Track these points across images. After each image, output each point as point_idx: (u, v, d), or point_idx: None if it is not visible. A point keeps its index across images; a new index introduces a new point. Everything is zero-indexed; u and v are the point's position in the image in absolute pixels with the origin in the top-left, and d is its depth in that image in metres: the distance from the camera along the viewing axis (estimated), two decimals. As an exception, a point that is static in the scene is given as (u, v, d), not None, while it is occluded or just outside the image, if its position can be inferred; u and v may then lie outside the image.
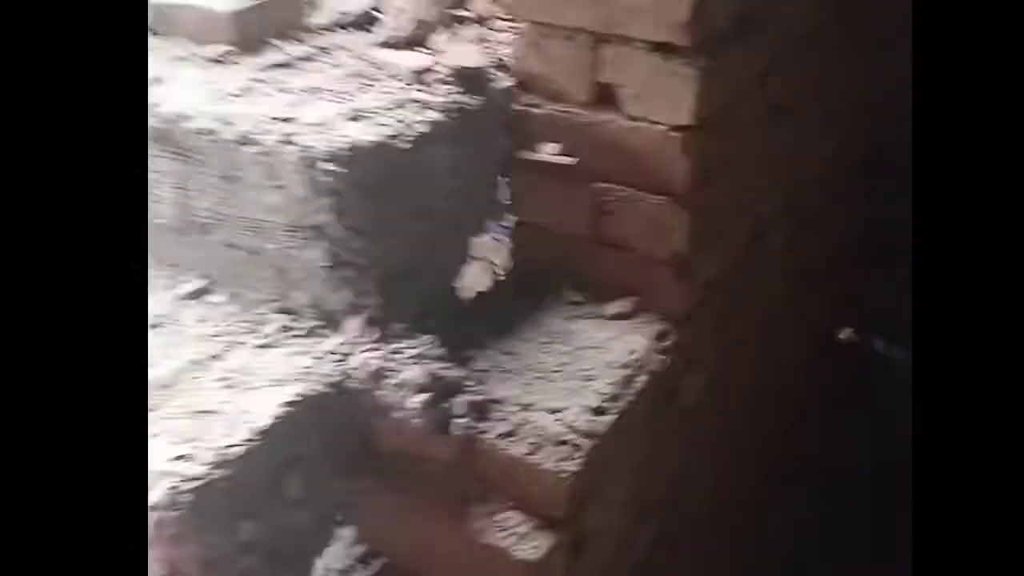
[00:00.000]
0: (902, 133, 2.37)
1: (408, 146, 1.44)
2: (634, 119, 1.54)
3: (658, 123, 1.53)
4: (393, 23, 1.67)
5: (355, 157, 1.39)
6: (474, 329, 1.59)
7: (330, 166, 1.38)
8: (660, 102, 1.51)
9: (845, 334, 2.57)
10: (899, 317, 2.58)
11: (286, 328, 1.49)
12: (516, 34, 1.58)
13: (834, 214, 2.25)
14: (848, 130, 2.21)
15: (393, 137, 1.44)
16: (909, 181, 2.39)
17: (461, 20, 1.73)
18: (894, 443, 2.68)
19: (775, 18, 1.67)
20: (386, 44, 1.65)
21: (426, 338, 1.47)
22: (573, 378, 1.52)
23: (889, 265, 2.51)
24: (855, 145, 2.28)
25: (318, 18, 1.70)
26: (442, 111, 1.52)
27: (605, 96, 1.56)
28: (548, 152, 1.61)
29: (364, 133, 1.42)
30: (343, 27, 1.71)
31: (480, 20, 1.72)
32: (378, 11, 1.71)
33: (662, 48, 1.48)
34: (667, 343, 1.61)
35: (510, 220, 1.70)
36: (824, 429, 2.54)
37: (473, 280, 1.66)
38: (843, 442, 2.63)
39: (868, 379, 2.61)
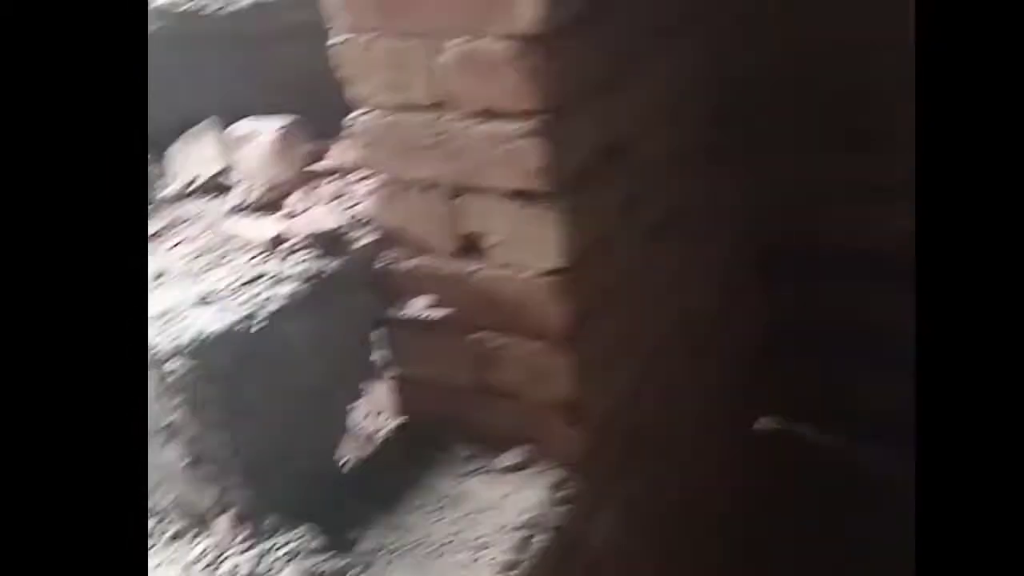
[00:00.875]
0: (798, 222, 2.39)
1: (262, 325, 1.36)
2: (503, 267, 1.48)
3: (527, 269, 1.47)
4: (245, 187, 1.59)
5: (203, 347, 1.30)
6: (358, 505, 1.49)
7: (177, 362, 1.29)
8: (526, 248, 1.45)
9: (766, 424, 2.51)
10: (825, 403, 2.55)
11: (151, 534, 1.38)
12: (373, 189, 1.52)
13: (738, 312, 2.21)
14: (743, 228, 2.17)
15: (245, 319, 1.35)
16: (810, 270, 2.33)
17: (317, 176, 1.66)
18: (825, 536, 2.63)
19: (640, 143, 1.63)
20: (239, 210, 1.57)
21: (304, 527, 1.38)
22: (467, 548, 1.43)
23: (804, 351, 2.48)
24: (754, 239, 2.24)
25: (167, 188, 1.63)
26: (299, 280, 1.44)
27: (471, 246, 1.49)
28: (420, 307, 1.54)
29: (213, 320, 1.34)
30: (194, 194, 1.63)
31: (336, 174, 1.65)
32: (230, 176, 1.64)
33: (520, 195, 1.42)
34: (566, 492, 1.53)
35: (389, 379, 1.61)
36: (751, 540, 2.47)
37: (354, 449, 1.57)
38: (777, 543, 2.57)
39: (796, 469, 2.55)
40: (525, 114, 1.37)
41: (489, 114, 1.39)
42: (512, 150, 1.39)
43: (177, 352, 1.29)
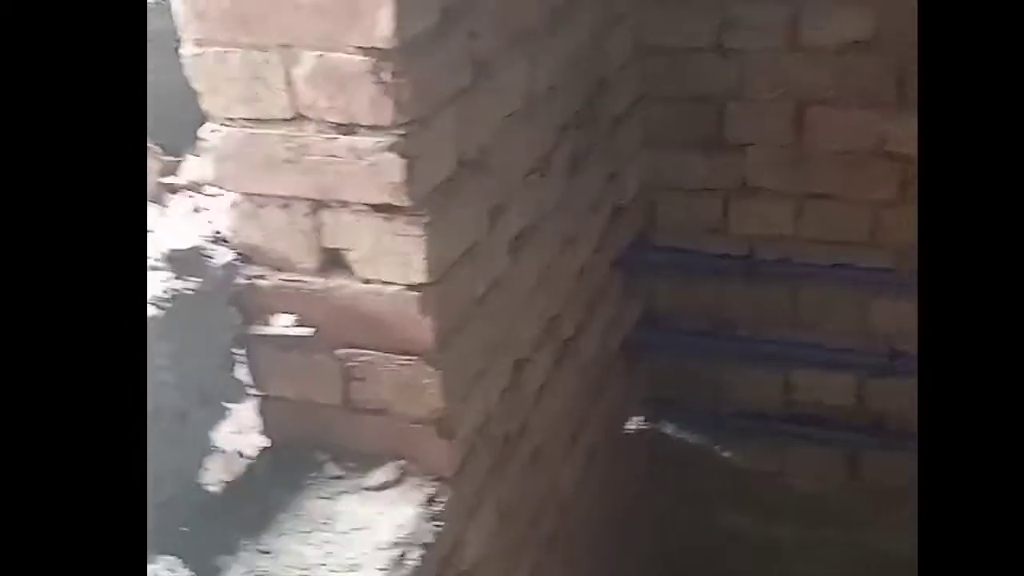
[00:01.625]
0: (661, 221, 2.43)
1: (117, 352, 1.30)
2: (367, 282, 1.46)
3: (392, 284, 1.45)
4: (94, 206, 1.53)
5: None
6: (226, 530, 1.45)
7: (24, 394, 1.22)
8: (390, 263, 1.43)
9: (635, 424, 2.55)
10: (693, 399, 2.61)
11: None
12: (230, 205, 1.47)
13: (604, 312, 2.23)
14: (606, 227, 2.20)
15: (98, 346, 1.29)
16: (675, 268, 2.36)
17: (173, 190, 1.61)
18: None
19: (502, 151, 1.62)
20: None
21: (168, 559, 1.33)
22: (340, 570, 1.40)
23: (672, 348, 2.52)
24: (616, 237, 2.27)
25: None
26: (155, 300, 1.39)
27: (334, 261, 1.46)
28: (283, 324, 1.51)
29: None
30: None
31: (193, 188, 1.60)
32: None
33: (383, 209, 1.40)
34: (438, 506, 1.52)
35: (254, 399, 1.57)
36: (622, 543, 2.50)
37: (219, 473, 1.52)
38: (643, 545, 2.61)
39: (665, 466, 2.60)
40: (383, 127, 1.35)
41: (348, 128, 1.36)
42: (372, 164, 1.37)
43: (24, 384, 1.23)
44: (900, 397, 2.37)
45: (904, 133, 2.16)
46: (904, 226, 2.23)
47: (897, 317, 2.31)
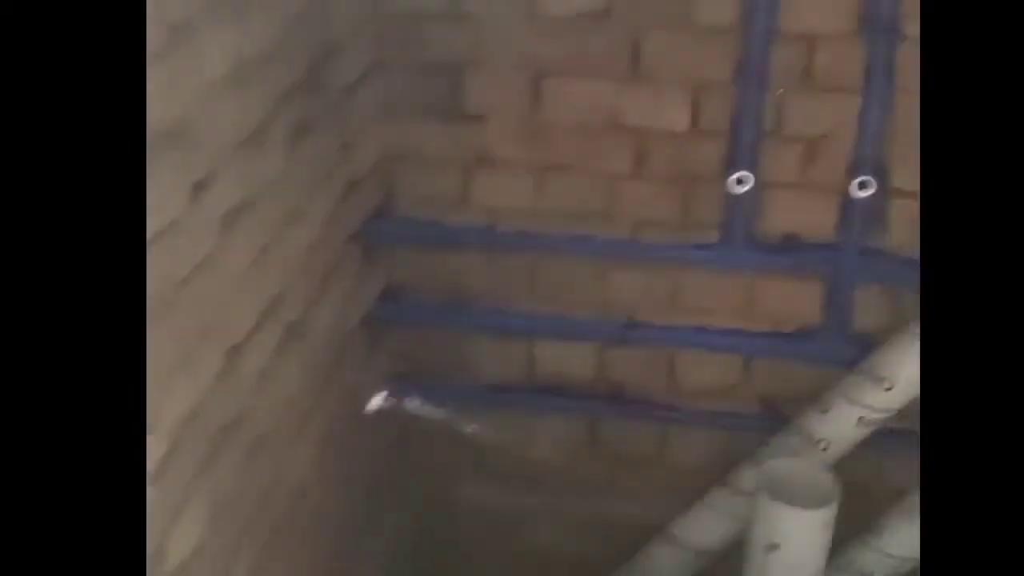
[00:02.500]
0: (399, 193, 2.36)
1: None
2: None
3: (75, 267, 1.31)
4: None
5: None
6: None
7: None
8: (72, 244, 1.30)
9: (377, 401, 2.49)
10: (431, 375, 2.57)
11: None
12: None
13: (338, 289, 2.15)
14: (339, 198, 2.11)
15: None
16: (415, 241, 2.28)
17: None
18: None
19: (205, 125, 1.51)
20: None
21: None
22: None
23: (413, 322, 2.47)
24: (353, 211, 2.19)
25: None
26: None
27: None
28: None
29: None
30: None
31: None
32: None
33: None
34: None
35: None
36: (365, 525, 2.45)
37: None
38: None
39: (406, 440, 2.56)
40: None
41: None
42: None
43: None
44: (637, 366, 2.42)
45: (637, 106, 2.18)
46: (640, 200, 2.26)
47: (633, 288, 2.34)
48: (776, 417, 2.34)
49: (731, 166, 2.16)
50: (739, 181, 2.15)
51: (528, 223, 2.33)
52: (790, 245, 2.24)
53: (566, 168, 2.29)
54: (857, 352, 2.21)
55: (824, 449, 2.21)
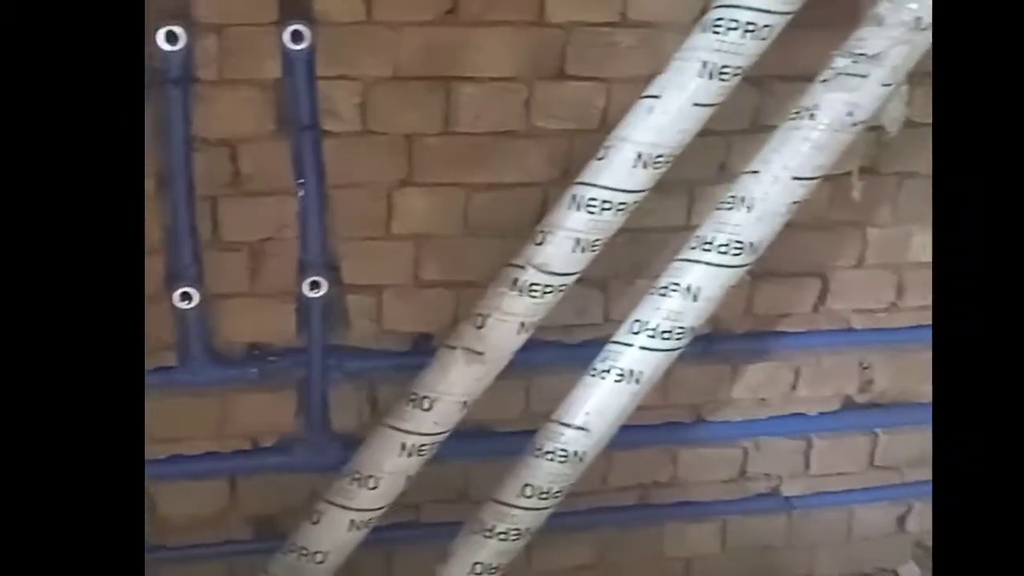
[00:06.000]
0: None
1: None
2: None
3: None
4: None
5: None
6: None
7: None
8: None
9: None
10: None
11: None
12: None
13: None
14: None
15: None
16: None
17: None
18: None
19: None
20: None
21: None
22: None
23: None
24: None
25: None
26: None
27: None
28: None
29: None
30: None
31: None
32: None
33: None
34: None
35: None
36: None
37: None
38: None
39: None
40: None
41: None
42: None
43: None
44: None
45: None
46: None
47: None
48: (274, 535, 2.21)
49: (175, 282, 2.02)
50: (184, 296, 2.01)
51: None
52: (254, 356, 2.13)
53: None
54: (341, 454, 2.15)
55: (321, 562, 2.11)
